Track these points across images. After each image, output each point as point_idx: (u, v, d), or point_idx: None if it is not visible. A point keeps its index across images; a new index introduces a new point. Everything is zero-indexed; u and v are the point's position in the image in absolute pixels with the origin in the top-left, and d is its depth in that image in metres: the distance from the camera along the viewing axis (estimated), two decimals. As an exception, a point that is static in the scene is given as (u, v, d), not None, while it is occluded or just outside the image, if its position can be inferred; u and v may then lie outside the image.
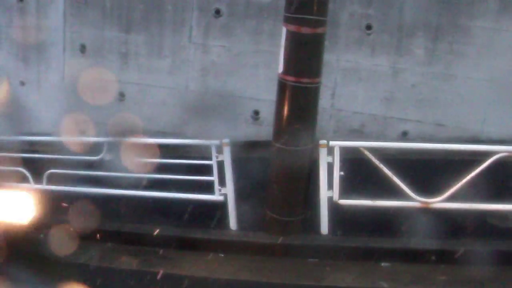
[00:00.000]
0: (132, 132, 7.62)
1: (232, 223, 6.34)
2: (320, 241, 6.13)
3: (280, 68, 5.77)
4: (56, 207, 6.77)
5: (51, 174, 6.78)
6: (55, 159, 6.79)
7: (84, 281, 5.76)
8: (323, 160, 5.94)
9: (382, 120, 8.25)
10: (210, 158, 6.20)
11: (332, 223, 6.14)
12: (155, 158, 6.68)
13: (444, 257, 5.76)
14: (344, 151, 5.94)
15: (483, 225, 6.10)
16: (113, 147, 6.51)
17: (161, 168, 6.51)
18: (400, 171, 5.89)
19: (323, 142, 5.94)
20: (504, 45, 7.79)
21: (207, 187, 6.31)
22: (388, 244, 6.00)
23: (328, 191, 6.00)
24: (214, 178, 6.22)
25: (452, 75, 7.99)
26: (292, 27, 5.60)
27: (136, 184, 6.45)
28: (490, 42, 7.83)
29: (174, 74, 8.81)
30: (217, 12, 8.41)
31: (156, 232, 6.41)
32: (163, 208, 6.60)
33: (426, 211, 5.94)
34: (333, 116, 8.27)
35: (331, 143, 5.94)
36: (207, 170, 6.25)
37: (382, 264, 5.86)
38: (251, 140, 8.03)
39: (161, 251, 6.28)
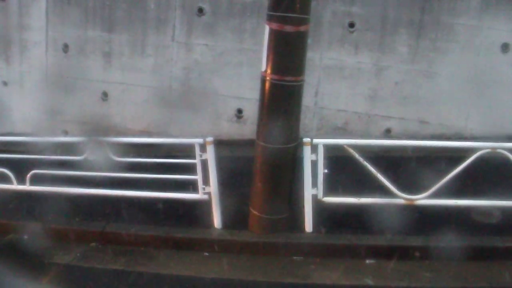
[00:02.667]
0: (115, 131, 7.59)
1: (217, 222, 6.32)
2: (304, 239, 6.13)
3: (263, 67, 5.76)
4: (39, 208, 6.74)
5: (35, 175, 6.73)
6: (38, 160, 6.73)
7: (68, 281, 5.78)
8: (307, 158, 5.94)
9: (366, 118, 8.27)
10: (194, 157, 6.18)
11: (317, 221, 6.14)
12: (139, 157, 6.66)
13: (428, 254, 5.78)
14: (328, 149, 5.94)
15: (468, 221, 6.13)
16: (97, 147, 6.47)
17: (145, 168, 6.48)
18: (384, 168, 5.90)
19: (307, 140, 5.94)
20: (487, 43, 7.83)
21: (192, 186, 6.28)
22: (372, 241, 6.02)
23: (312, 189, 6.00)
24: (198, 177, 6.20)
25: (435, 73, 8.02)
26: (275, 26, 5.58)
27: (119, 183, 6.41)
28: (472, 40, 7.87)
29: (157, 73, 8.78)
30: (200, 11, 8.39)
31: (140, 231, 6.39)
32: (147, 207, 6.58)
33: (411, 208, 5.95)
34: (316, 114, 8.27)
35: (315, 141, 5.94)
36: (191, 169, 6.23)
37: (367, 261, 5.87)
38: (235, 139, 8.03)
39: (145, 251, 6.26)
